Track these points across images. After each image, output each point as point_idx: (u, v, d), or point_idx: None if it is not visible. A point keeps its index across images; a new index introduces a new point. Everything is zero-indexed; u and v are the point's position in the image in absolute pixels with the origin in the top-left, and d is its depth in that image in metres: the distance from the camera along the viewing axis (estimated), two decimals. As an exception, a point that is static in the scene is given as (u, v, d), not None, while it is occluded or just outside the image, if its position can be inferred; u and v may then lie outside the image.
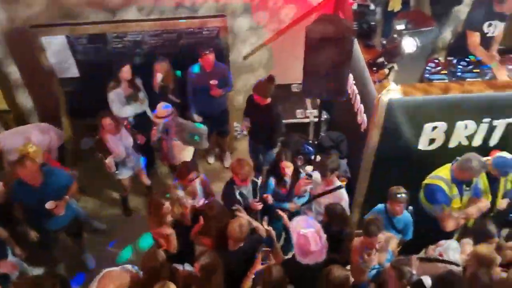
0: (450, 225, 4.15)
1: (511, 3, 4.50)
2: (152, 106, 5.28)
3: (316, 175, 4.48)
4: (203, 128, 5.20)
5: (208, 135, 5.23)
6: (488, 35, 4.73)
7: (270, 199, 4.45)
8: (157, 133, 5.11)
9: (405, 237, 4.33)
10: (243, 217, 3.90)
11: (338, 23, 3.96)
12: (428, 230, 4.31)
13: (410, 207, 4.47)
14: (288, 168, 4.42)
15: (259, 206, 4.43)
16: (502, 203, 4.51)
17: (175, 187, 4.39)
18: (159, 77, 5.33)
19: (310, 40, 3.89)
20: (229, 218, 3.85)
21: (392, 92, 4.13)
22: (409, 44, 3.85)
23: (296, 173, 4.55)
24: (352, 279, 3.62)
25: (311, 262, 3.51)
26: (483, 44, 4.77)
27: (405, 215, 4.25)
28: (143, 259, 3.58)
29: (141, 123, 5.47)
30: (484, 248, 3.70)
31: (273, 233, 4.06)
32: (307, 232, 3.54)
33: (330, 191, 4.33)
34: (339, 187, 4.38)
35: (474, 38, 4.65)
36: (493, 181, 4.38)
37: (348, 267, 3.88)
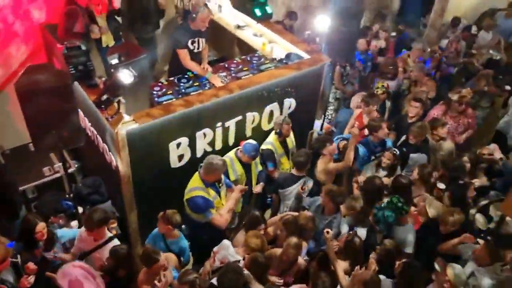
0: (223, 224, 4.46)
1: (199, 21, 5.09)
2: None
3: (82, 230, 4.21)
4: None
5: None
6: (195, 51, 5.25)
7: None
8: None
9: (184, 258, 4.46)
10: None
11: (48, 71, 3.80)
12: (207, 240, 4.54)
13: (183, 226, 4.65)
14: (42, 230, 4.01)
15: (32, 279, 3.93)
16: (257, 187, 5.10)
17: None
18: None
19: (22, 95, 3.63)
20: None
21: (127, 124, 4.22)
22: (126, 76, 3.98)
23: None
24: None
25: None
26: (196, 59, 5.28)
27: (180, 238, 4.38)
28: None
29: None
30: (251, 237, 4.09)
31: None
32: (76, 275, 3.37)
33: (102, 245, 4.12)
34: (111, 239, 4.20)
35: (184, 55, 5.11)
36: (247, 169, 4.93)
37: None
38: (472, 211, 4.63)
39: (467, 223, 4.43)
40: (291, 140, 5.34)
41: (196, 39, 5.20)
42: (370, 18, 8.69)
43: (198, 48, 5.25)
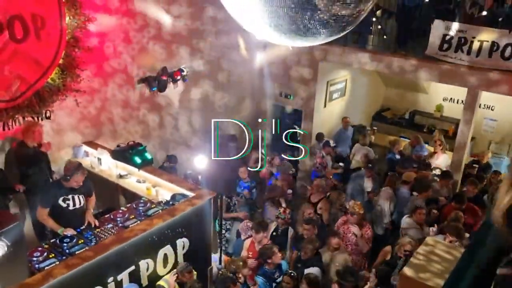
0: None
1: (73, 182, 5.04)
2: None
3: None
4: None
5: None
6: (69, 208, 5.10)
7: None
8: None
9: None
10: None
11: None
12: None
13: None
14: None
15: None
16: None
17: None
18: None
19: None
20: None
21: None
22: (-3, 248, 3.70)
23: None
24: None
25: None
26: (74, 217, 5.13)
27: None
28: None
29: None
30: None
31: None
32: None
33: None
34: None
35: (41, 213, 5.02)
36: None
37: None
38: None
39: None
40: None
41: (69, 197, 5.09)
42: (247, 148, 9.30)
43: (74, 206, 5.12)
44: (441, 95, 10.78)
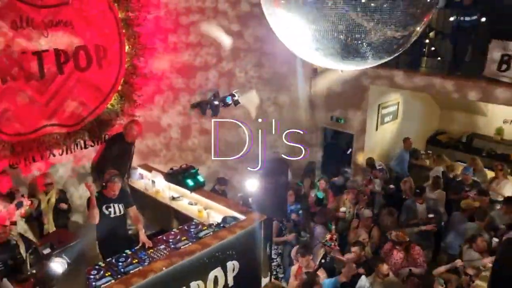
0: None
1: (109, 190, 5.33)
2: None
3: None
4: None
5: None
6: (111, 215, 5.39)
7: None
8: None
9: None
10: None
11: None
12: None
13: None
14: None
15: None
16: None
17: None
18: None
19: None
20: None
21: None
22: (58, 265, 3.89)
23: None
24: None
25: None
26: (115, 224, 5.42)
27: None
28: None
29: None
30: None
31: None
32: None
33: None
34: None
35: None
36: None
37: None
38: None
39: None
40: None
41: (111, 205, 5.42)
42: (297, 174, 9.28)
43: (114, 213, 5.45)
44: (502, 118, 10.30)
